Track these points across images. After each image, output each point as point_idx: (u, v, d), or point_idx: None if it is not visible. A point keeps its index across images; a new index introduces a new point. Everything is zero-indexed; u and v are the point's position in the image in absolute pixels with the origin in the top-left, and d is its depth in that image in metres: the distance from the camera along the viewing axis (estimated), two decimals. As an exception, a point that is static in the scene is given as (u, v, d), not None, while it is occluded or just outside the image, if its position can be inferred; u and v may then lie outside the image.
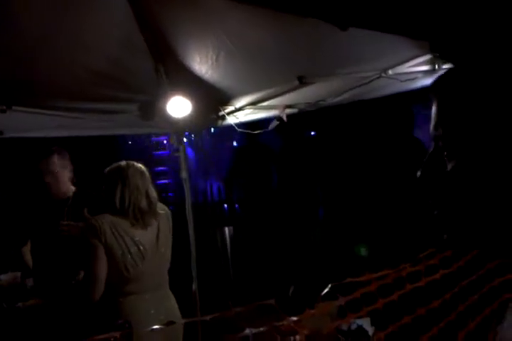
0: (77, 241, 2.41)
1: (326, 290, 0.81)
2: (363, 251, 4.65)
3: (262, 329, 0.60)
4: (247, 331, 0.60)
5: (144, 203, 2.36)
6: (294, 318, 0.70)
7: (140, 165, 2.46)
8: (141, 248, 2.34)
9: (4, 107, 2.76)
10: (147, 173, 2.46)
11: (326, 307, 0.86)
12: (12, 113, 2.83)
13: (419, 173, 0.89)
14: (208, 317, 0.58)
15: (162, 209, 2.53)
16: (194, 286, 3.62)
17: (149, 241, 2.39)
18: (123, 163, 2.43)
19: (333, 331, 0.81)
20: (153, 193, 2.43)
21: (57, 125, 3.32)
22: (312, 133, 6.16)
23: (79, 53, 2.43)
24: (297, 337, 0.68)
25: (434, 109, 0.88)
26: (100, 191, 2.43)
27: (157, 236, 2.42)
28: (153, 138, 10.45)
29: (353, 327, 2.12)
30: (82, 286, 2.38)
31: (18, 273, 2.93)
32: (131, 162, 2.46)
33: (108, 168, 2.43)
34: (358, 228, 4.60)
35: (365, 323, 2.08)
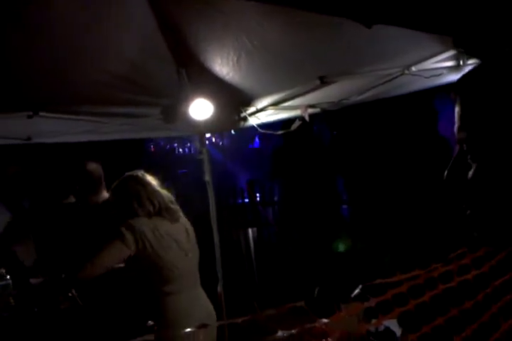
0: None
1: (356, 291, 0.80)
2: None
3: (293, 331, 0.59)
4: (280, 333, 0.59)
5: (168, 202, 2.44)
6: (325, 320, 0.69)
7: (146, 173, 2.54)
8: (182, 246, 2.40)
9: (31, 113, 2.82)
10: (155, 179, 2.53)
11: (356, 309, 0.85)
12: (38, 119, 2.88)
13: (445, 175, 0.87)
14: (239, 320, 0.58)
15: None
16: (219, 288, 3.62)
17: (185, 239, 2.45)
18: (132, 173, 2.51)
19: (364, 333, 0.80)
20: (168, 193, 2.51)
21: (82, 130, 3.37)
22: (334, 132, 6.12)
23: (101, 58, 2.45)
24: (329, 339, 0.67)
25: (457, 110, 0.85)
26: (120, 202, 2.43)
27: (187, 234, 2.49)
28: (175, 141, 10.56)
29: (381, 328, 2.10)
30: (80, 264, 2.33)
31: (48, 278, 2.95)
32: (138, 171, 2.53)
33: (121, 180, 2.48)
34: (385, 228, 4.55)
35: (392, 324, 2.05)
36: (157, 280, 2.32)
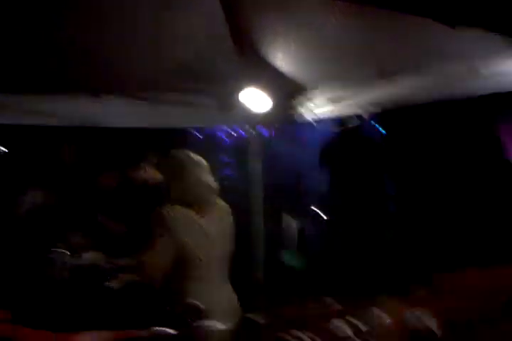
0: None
1: (409, 287, 0.81)
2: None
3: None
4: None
5: (205, 193, 2.40)
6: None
7: (195, 154, 2.46)
8: (210, 237, 2.38)
9: (94, 96, 2.92)
10: (205, 162, 2.45)
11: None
12: (100, 103, 2.98)
13: None
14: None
15: (220, 201, 2.53)
16: (259, 278, 3.64)
17: (215, 230, 2.42)
18: (179, 153, 2.44)
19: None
20: (213, 183, 2.44)
21: (143, 116, 3.46)
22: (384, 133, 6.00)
23: (168, 45, 2.52)
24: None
25: None
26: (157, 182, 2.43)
27: (221, 228, 2.45)
28: (223, 130, 10.60)
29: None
30: (139, 274, 2.38)
31: (101, 254, 2.96)
32: (188, 152, 2.46)
33: (165, 159, 2.46)
34: (434, 230, 4.43)
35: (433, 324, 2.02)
36: (182, 266, 2.29)
